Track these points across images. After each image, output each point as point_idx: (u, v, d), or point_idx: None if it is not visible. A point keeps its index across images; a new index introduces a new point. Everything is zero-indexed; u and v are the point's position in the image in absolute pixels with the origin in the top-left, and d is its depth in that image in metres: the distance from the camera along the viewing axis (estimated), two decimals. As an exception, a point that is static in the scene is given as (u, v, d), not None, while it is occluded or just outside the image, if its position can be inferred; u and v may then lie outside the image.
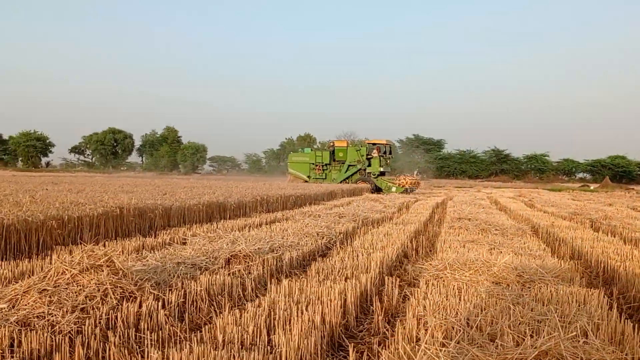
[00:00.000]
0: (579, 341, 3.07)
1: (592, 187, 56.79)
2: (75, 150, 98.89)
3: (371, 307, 4.47)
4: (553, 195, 31.96)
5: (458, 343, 2.98)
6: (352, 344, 3.52)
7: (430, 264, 5.41)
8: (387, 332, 3.90)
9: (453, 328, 3.46)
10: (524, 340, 3.17)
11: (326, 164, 31.48)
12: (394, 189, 28.03)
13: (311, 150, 33.85)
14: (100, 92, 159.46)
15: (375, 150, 30.82)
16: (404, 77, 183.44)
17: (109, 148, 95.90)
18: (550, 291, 4.62)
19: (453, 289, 4.80)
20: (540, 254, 6.87)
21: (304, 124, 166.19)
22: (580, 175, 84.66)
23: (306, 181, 31.55)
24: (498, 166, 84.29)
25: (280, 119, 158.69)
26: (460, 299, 4.44)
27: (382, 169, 30.09)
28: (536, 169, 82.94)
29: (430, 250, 7.52)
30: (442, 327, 3.45)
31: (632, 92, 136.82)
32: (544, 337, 2.98)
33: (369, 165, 30.39)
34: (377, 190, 28.63)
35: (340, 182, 30.46)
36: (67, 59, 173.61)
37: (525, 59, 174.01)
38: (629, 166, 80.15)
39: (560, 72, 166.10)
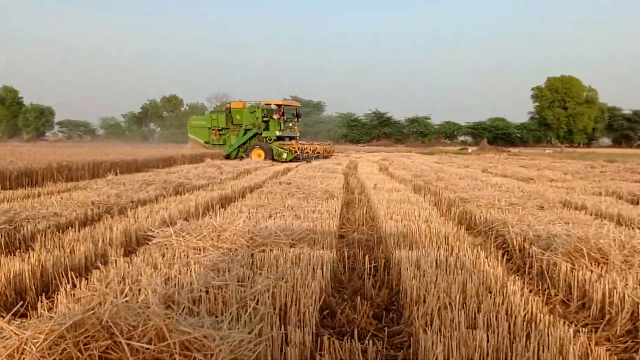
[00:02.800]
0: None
1: (469, 150, 60.31)
2: None
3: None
4: (420, 158, 33.46)
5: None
6: None
7: (162, 230, 5.21)
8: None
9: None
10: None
11: (223, 128, 30.52)
12: (284, 155, 27.59)
13: (210, 112, 32.75)
14: None
15: (276, 112, 30.10)
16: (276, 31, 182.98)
17: None
18: (275, 254, 4.60)
19: (170, 256, 4.63)
20: (318, 217, 6.96)
21: (169, 85, 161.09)
22: (462, 138, 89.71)
23: (205, 146, 30.77)
24: (380, 130, 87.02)
25: (141, 78, 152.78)
26: (170, 267, 4.28)
27: (279, 133, 29.08)
28: (418, 133, 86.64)
29: (202, 215, 7.36)
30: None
31: (511, 58, 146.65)
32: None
33: (266, 129, 29.56)
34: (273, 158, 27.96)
35: (238, 147, 29.58)
36: None
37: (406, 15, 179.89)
38: (508, 128, 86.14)
39: (440, 33, 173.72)
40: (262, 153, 28.05)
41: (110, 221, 6.81)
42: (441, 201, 10.14)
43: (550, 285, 4.73)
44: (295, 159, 27.38)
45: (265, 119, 29.40)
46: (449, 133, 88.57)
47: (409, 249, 5.39)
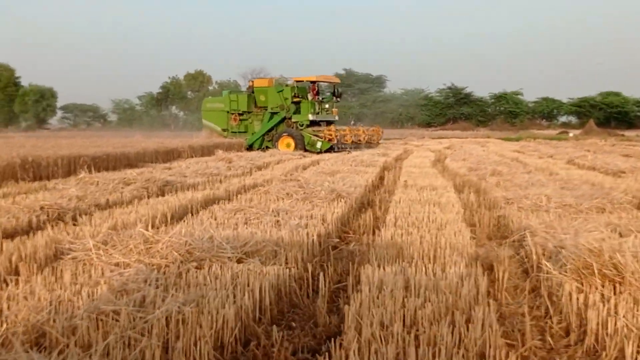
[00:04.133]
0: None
1: (571, 134, 59.08)
2: None
3: None
4: (497, 145, 33.07)
5: None
6: None
7: (82, 243, 5.41)
8: None
9: None
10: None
11: (244, 112, 30.35)
12: (319, 144, 27.39)
13: (228, 93, 32.74)
14: None
15: (310, 90, 29.97)
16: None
17: None
18: (214, 271, 4.75)
19: (82, 274, 4.81)
20: (305, 223, 7.10)
21: (194, 59, 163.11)
22: (564, 119, 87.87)
23: (223, 135, 30.81)
24: (457, 110, 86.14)
25: (162, 53, 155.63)
26: (65, 289, 4.46)
27: (313, 117, 28.67)
28: (506, 113, 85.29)
29: (171, 223, 7.56)
30: None
31: (631, 12, 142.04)
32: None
33: (297, 112, 29.30)
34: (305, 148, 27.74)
35: (262, 135, 29.44)
36: None
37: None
38: (625, 105, 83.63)
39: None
40: (292, 142, 27.76)
41: (49, 231, 7.07)
42: (480, 202, 10.07)
43: (552, 312, 4.68)
44: (332, 149, 27.20)
45: (296, 99, 29.14)
46: (546, 112, 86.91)
47: (390, 265, 5.42)
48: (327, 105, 30.20)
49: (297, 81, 30.24)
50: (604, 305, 4.12)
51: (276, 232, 6.56)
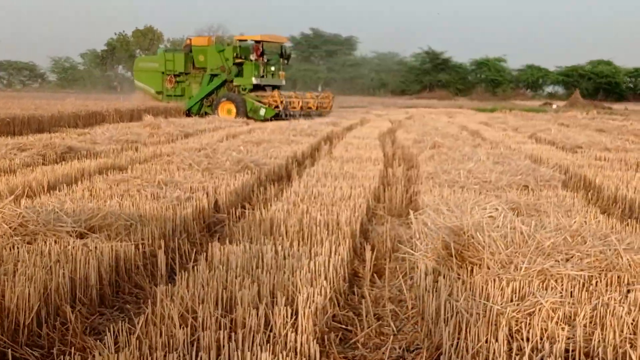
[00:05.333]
0: None
1: (554, 106, 59.53)
2: None
3: None
4: (466, 117, 33.30)
5: None
6: None
7: None
8: None
9: None
10: None
11: (181, 73, 29.86)
12: (262, 110, 27.00)
13: (163, 51, 32.12)
14: None
15: (254, 51, 29.46)
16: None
17: None
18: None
19: None
20: (186, 195, 7.10)
21: (145, 16, 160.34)
22: (551, 89, 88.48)
23: (157, 98, 30.21)
24: (434, 76, 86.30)
25: (108, 7, 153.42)
26: None
27: (256, 81, 28.34)
28: (488, 81, 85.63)
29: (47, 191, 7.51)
30: None
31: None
32: None
33: (239, 74, 28.97)
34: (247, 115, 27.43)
35: (201, 100, 29.07)
36: None
37: None
38: (616, 75, 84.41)
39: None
40: (233, 108, 27.35)
41: None
42: (401, 176, 10.17)
43: (407, 296, 4.74)
44: (278, 116, 26.99)
45: (238, 60, 28.80)
46: (531, 82, 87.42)
47: (250, 243, 5.45)
48: (273, 68, 29.87)
49: (240, 40, 29.90)
50: (446, 288, 4.18)
51: (143, 205, 6.54)
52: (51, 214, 5.47)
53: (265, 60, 29.59)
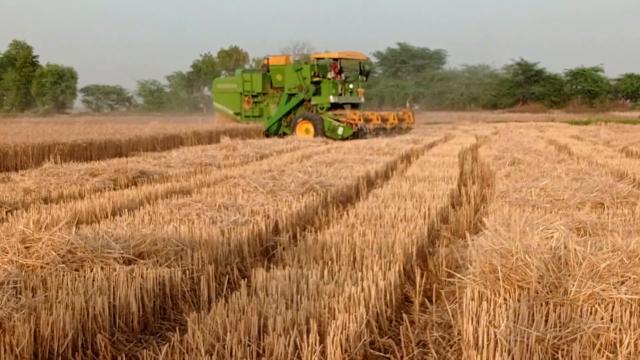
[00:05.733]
0: None
1: (653, 117, 57.76)
2: None
3: None
4: (556, 130, 32.66)
5: None
6: None
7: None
8: None
9: None
10: None
11: (259, 94, 30.38)
12: (340, 129, 27.20)
13: (241, 72, 32.62)
14: None
15: (331, 69, 29.88)
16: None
17: None
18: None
19: None
20: (248, 219, 7.19)
21: (231, 36, 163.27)
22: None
23: (236, 119, 30.84)
24: (527, 89, 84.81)
25: (194, 30, 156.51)
26: None
27: (334, 99, 28.57)
28: (584, 92, 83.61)
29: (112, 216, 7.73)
30: None
31: None
32: None
33: (317, 93, 29.27)
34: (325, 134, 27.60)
35: (279, 120, 29.50)
36: None
37: None
38: None
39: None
40: (311, 127, 27.58)
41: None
42: (474, 195, 10.07)
43: (452, 320, 4.68)
44: (356, 135, 27.02)
45: (316, 79, 28.98)
46: (631, 92, 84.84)
47: (299, 268, 5.48)
48: (351, 86, 29.89)
49: (318, 58, 30.06)
50: (487, 314, 4.11)
51: (197, 230, 6.66)
52: (99, 241, 5.62)
53: (343, 78, 29.66)
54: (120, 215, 8.08)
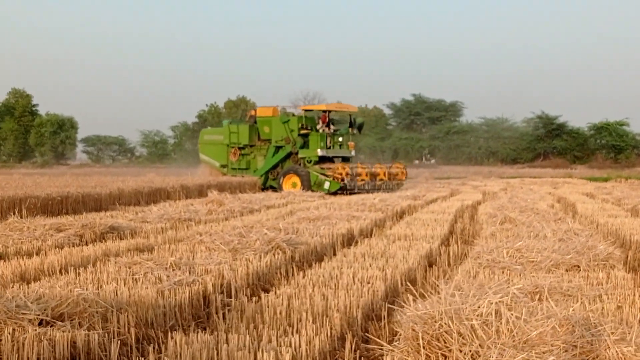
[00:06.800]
0: None
1: (682, 174, 57.59)
2: None
3: None
4: (569, 187, 32.59)
5: None
6: None
7: None
8: None
9: None
10: None
11: (246, 145, 30.91)
12: (327, 184, 27.46)
13: (228, 123, 33.14)
14: None
15: (320, 121, 30.18)
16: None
17: None
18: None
19: None
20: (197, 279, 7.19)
21: (238, 86, 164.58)
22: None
23: (222, 172, 31.19)
24: (548, 143, 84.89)
25: (200, 80, 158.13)
26: None
27: (322, 153, 29.05)
28: (609, 147, 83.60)
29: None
30: None
31: None
32: None
33: (304, 145, 29.76)
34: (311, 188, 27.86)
35: (266, 173, 29.99)
36: None
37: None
38: None
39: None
40: (298, 181, 28.00)
41: None
42: (448, 256, 10.05)
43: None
44: (344, 190, 27.22)
45: (304, 131, 29.36)
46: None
47: (216, 334, 5.45)
48: (341, 139, 30.09)
49: (306, 110, 30.49)
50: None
51: (134, 291, 6.67)
52: (14, 302, 5.62)
53: (332, 131, 29.89)
54: (67, 274, 8.09)
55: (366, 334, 6.15)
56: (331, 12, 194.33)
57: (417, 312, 4.80)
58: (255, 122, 30.67)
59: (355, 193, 26.36)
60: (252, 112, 31.74)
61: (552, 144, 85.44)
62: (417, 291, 8.21)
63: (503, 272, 8.13)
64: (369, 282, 7.61)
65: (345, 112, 31.86)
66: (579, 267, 8.44)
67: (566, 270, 8.28)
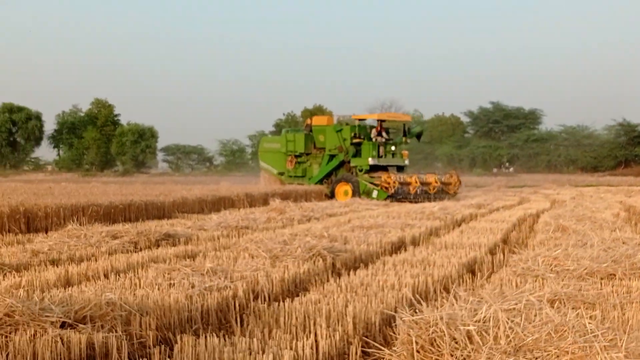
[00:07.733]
0: None
1: None
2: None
3: None
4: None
5: None
6: None
7: None
8: None
9: None
10: None
11: (302, 154, 31.62)
12: (375, 192, 27.87)
13: (285, 132, 33.94)
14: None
15: (374, 131, 30.64)
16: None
17: (3, 135, 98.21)
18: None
19: None
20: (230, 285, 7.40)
21: (317, 95, 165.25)
22: None
23: (280, 179, 31.92)
24: (630, 150, 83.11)
25: (279, 88, 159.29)
26: None
27: (373, 162, 29.48)
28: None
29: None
30: None
31: None
32: None
33: (356, 154, 30.34)
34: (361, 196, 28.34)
35: (321, 180, 30.65)
36: None
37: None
38: None
39: None
40: (349, 189, 28.43)
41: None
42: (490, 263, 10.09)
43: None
44: (394, 197, 27.36)
45: (356, 140, 29.71)
46: None
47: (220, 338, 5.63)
48: (394, 148, 30.28)
49: (360, 119, 30.80)
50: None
51: (162, 296, 6.90)
52: (38, 304, 5.89)
53: (385, 140, 30.10)
54: (107, 279, 8.40)
55: (383, 339, 6.25)
56: (405, 19, 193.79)
57: (413, 317, 4.90)
58: (311, 131, 31.23)
59: (414, 202, 26.48)
60: (309, 121, 32.44)
61: (634, 151, 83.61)
62: (447, 299, 8.31)
63: (536, 280, 8.13)
64: (395, 288, 7.70)
65: (399, 122, 32.18)
66: (614, 275, 8.38)
67: (600, 279, 8.22)
